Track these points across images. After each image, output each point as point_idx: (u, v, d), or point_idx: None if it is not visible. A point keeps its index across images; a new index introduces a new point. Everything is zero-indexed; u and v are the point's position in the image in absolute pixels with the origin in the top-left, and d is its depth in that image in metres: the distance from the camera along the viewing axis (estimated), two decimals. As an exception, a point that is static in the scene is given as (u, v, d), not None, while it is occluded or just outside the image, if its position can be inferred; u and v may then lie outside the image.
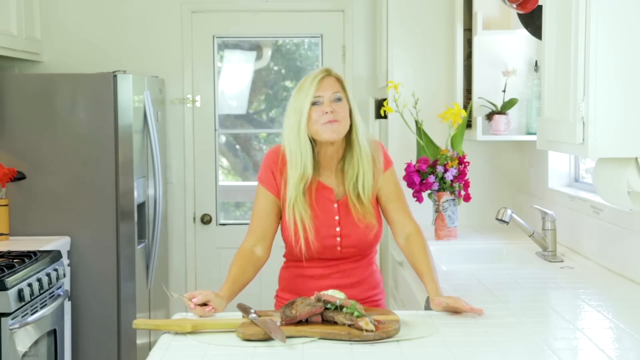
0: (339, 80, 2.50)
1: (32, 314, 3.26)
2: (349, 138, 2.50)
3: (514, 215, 3.28)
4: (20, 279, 3.20)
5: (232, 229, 4.88)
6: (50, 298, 3.48)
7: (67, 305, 3.87)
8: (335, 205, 2.51)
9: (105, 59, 4.67)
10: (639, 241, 2.69)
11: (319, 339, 2.04)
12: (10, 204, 3.98)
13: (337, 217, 2.50)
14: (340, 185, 2.53)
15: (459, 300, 2.26)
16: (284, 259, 2.68)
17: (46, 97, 4.00)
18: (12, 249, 3.61)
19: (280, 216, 2.54)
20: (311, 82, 2.45)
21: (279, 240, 2.60)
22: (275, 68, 5.02)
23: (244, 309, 2.19)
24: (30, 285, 3.24)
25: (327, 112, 2.42)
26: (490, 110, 3.84)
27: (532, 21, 3.36)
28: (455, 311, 2.26)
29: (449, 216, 3.66)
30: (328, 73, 2.48)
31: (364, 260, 2.58)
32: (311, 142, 2.47)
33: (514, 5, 3.34)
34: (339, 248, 2.51)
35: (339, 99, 2.46)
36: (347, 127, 2.47)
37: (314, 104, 2.44)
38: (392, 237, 4.02)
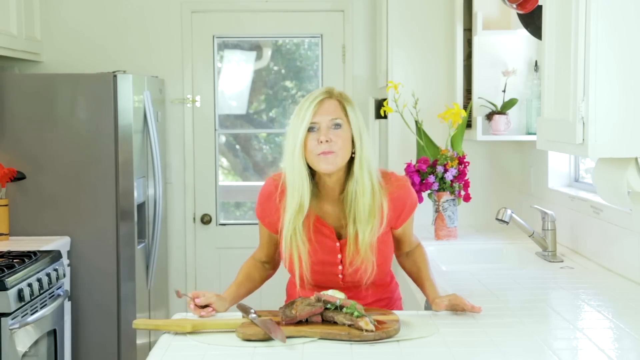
0: (341, 103, 2.28)
1: (32, 314, 3.26)
2: (351, 167, 2.29)
3: (514, 215, 3.28)
4: (20, 279, 3.20)
5: (232, 229, 4.88)
6: (50, 298, 3.48)
7: (67, 305, 3.87)
8: (337, 244, 2.35)
9: (105, 59, 4.67)
10: (639, 241, 2.69)
11: (319, 339, 2.04)
12: (10, 204, 3.98)
13: (339, 256, 2.35)
14: (343, 220, 2.34)
15: (460, 297, 2.24)
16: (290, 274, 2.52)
17: (46, 97, 4.00)
18: (12, 249, 3.61)
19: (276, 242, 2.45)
20: (309, 105, 2.25)
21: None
22: (275, 68, 5.02)
23: (244, 309, 2.19)
24: (30, 285, 3.24)
25: (322, 142, 2.22)
26: (490, 110, 3.84)
27: (532, 21, 3.36)
28: (456, 309, 2.25)
29: (448, 216, 3.66)
30: (329, 95, 2.27)
31: (373, 287, 2.43)
32: (310, 170, 2.29)
33: (514, 5, 3.34)
34: (341, 283, 2.37)
35: (338, 125, 2.24)
36: (346, 158, 2.26)
37: (310, 130, 2.24)
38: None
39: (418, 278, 2.46)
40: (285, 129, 2.35)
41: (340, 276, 2.37)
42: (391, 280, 2.57)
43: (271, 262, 2.52)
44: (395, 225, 2.39)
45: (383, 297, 2.50)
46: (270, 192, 2.37)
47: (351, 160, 2.29)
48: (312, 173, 2.31)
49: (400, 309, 2.58)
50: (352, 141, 2.28)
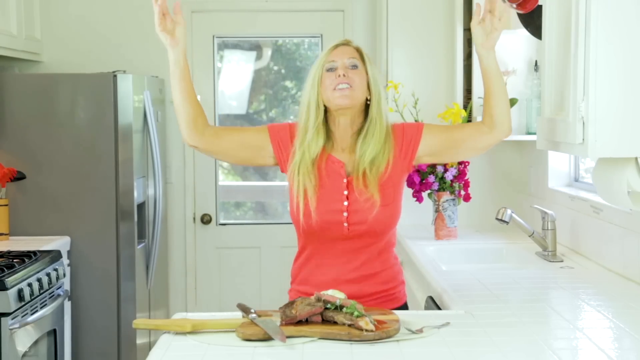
0: (359, 51, 2.39)
1: (32, 314, 3.26)
2: (367, 112, 2.36)
3: (514, 215, 3.28)
4: (20, 279, 3.19)
5: (232, 229, 4.88)
6: (50, 298, 3.48)
7: (67, 305, 3.87)
8: (345, 180, 2.36)
9: (105, 58, 4.67)
10: (639, 241, 2.69)
11: (319, 338, 2.04)
12: (10, 204, 3.98)
13: (345, 192, 2.35)
14: (355, 161, 2.36)
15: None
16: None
17: (46, 97, 4.00)
18: (12, 249, 3.61)
19: (233, 158, 2.49)
20: (328, 48, 2.37)
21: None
22: (275, 68, 5.02)
23: (244, 309, 2.19)
24: (30, 285, 3.24)
25: (339, 76, 2.30)
26: (490, 110, 3.83)
27: (532, 21, 3.36)
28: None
29: (448, 216, 3.66)
30: (347, 43, 2.38)
31: (375, 248, 2.39)
32: (325, 112, 2.36)
33: (514, 5, 3.33)
34: (345, 224, 2.34)
35: (355, 66, 2.34)
36: (362, 96, 2.33)
37: (328, 70, 2.33)
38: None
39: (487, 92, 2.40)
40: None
41: (345, 214, 2.34)
42: (395, 259, 2.51)
43: (208, 132, 2.42)
44: (413, 151, 2.38)
45: (386, 268, 2.43)
46: (291, 126, 2.43)
47: (365, 108, 2.36)
48: (326, 119, 2.38)
49: (404, 295, 2.51)
50: (368, 87, 2.35)
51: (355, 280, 2.38)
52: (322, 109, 2.35)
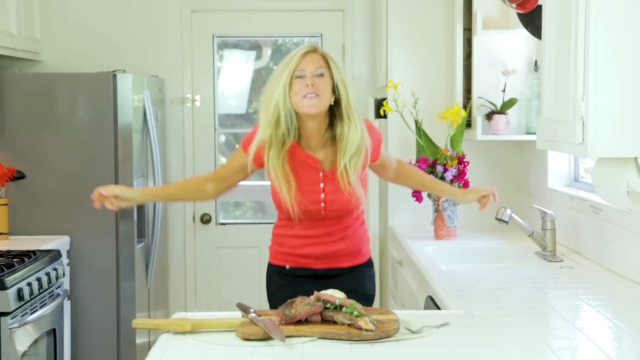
0: (324, 57, 2.59)
1: (31, 314, 3.26)
2: (339, 112, 2.60)
3: (513, 215, 3.28)
4: (20, 279, 3.20)
5: (231, 228, 4.88)
6: (49, 297, 3.48)
7: (67, 304, 3.87)
8: (321, 174, 2.64)
9: (105, 58, 4.67)
10: (638, 241, 2.69)
11: (319, 338, 2.04)
12: (10, 204, 3.98)
13: (321, 185, 2.64)
14: (330, 156, 2.64)
15: (482, 189, 2.85)
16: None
17: (46, 96, 4.00)
18: (11, 249, 3.61)
19: (243, 179, 2.77)
20: (295, 55, 2.57)
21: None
22: (275, 67, 5.01)
23: (244, 309, 2.19)
24: (29, 284, 3.24)
25: (307, 85, 2.52)
26: (490, 110, 3.84)
27: (532, 21, 3.36)
28: (484, 196, 2.85)
29: (448, 216, 3.66)
30: (314, 50, 2.59)
31: (346, 220, 2.72)
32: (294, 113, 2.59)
33: (514, 5, 3.34)
34: (322, 212, 2.66)
35: (321, 75, 2.56)
36: (327, 103, 2.57)
37: (297, 77, 2.55)
38: (392, 238, 4.04)
39: (426, 182, 2.99)
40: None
41: (322, 204, 2.65)
42: (362, 223, 2.81)
43: (218, 184, 2.77)
44: (375, 157, 2.75)
45: (355, 231, 2.75)
46: (256, 129, 2.67)
47: (330, 109, 2.61)
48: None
49: (368, 251, 2.83)
50: (333, 90, 2.58)
51: (328, 242, 2.71)
52: (291, 110, 2.57)
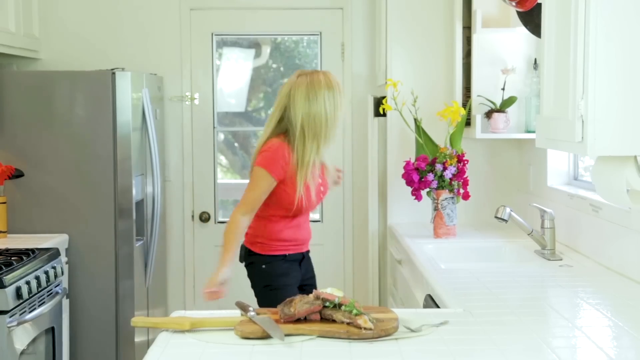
0: None
1: (30, 312, 3.26)
2: None
3: (513, 213, 3.28)
4: (18, 277, 3.19)
5: (230, 226, 4.86)
6: (48, 296, 3.48)
7: (65, 303, 3.86)
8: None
9: (104, 56, 4.66)
10: (638, 239, 2.69)
11: (318, 337, 2.04)
12: (9, 202, 3.97)
13: (319, 180, 3.16)
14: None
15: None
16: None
17: (44, 94, 3.99)
18: (10, 247, 3.60)
19: (268, 194, 3.09)
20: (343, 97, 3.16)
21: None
22: (274, 66, 5.01)
23: (243, 307, 2.19)
24: (28, 283, 3.24)
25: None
26: (490, 109, 3.84)
27: (532, 19, 3.36)
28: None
29: (447, 214, 3.66)
30: None
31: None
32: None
33: (513, 3, 3.34)
34: (321, 196, 3.20)
35: None
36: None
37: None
38: (391, 236, 4.04)
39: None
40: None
41: (322, 194, 3.20)
42: None
43: (252, 215, 3.12)
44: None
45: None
46: (283, 150, 3.05)
47: None
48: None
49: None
50: None
51: (308, 227, 3.22)
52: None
